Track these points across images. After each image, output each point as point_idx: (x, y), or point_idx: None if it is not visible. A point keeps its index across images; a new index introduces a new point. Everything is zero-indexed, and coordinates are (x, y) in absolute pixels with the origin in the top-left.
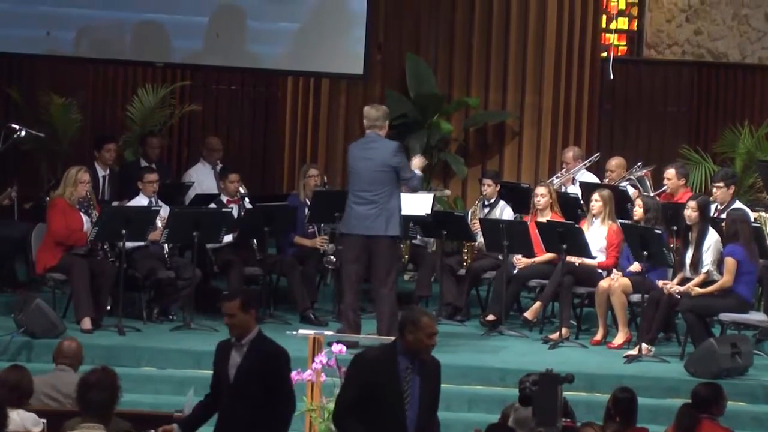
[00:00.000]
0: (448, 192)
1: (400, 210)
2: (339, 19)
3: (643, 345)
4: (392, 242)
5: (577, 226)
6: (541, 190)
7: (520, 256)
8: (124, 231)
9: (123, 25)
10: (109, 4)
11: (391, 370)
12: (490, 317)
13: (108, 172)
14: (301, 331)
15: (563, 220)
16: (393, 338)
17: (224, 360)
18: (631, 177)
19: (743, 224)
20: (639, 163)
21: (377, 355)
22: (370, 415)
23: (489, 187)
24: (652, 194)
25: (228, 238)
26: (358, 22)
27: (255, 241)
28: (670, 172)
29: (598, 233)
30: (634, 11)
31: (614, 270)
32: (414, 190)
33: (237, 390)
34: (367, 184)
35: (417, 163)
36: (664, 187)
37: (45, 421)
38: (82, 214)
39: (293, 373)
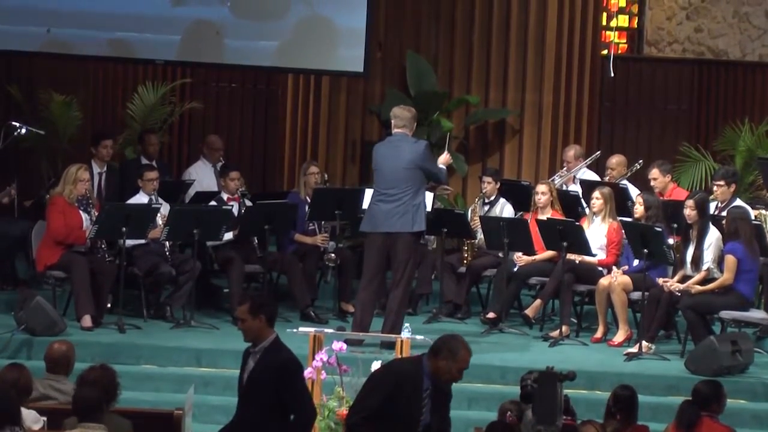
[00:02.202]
0: (448, 189)
1: (425, 205)
2: (339, 17)
3: (644, 343)
4: (413, 238)
5: (577, 223)
6: (541, 187)
7: (520, 254)
8: (124, 229)
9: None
10: (82, 22)
11: (417, 388)
12: (491, 315)
13: (105, 169)
14: (301, 329)
15: (564, 218)
16: (422, 355)
17: (243, 366)
18: (620, 180)
19: (743, 222)
20: (640, 161)
21: (408, 369)
22: (382, 427)
23: (489, 185)
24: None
25: (228, 236)
26: (358, 19)
27: (255, 238)
28: (655, 172)
29: (598, 231)
30: (635, 9)
31: (614, 268)
32: (440, 183)
33: (246, 397)
34: (393, 183)
35: (444, 159)
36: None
37: (45, 419)
38: (81, 212)
39: None
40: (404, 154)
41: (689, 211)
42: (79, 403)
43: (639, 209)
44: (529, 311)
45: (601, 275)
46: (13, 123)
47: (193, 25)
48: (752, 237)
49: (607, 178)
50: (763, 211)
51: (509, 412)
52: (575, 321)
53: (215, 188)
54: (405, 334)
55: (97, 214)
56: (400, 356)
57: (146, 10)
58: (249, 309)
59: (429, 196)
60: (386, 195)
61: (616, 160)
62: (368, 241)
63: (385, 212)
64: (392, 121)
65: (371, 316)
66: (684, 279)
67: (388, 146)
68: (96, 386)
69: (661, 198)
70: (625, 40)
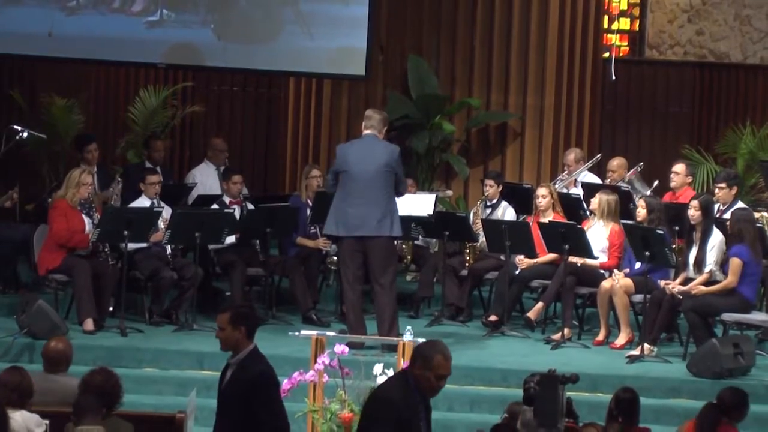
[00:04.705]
0: (450, 193)
1: (397, 210)
2: (341, 20)
3: (645, 345)
4: (390, 240)
5: (579, 226)
6: (542, 191)
7: (522, 257)
8: (126, 232)
9: None
10: (53, 47)
11: (414, 409)
12: (493, 318)
13: (96, 170)
14: (303, 332)
15: (565, 221)
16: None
17: (222, 377)
18: (621, 183)
19: (748, 224)
20: (641, 164)
21: (401, 395)
22: None
23: (491, 188)
24: (647, 192)
25: (230, 239)
26: (360, 23)
27: (257, 241)
28: (680, 167)
29: (600, 234)
30: (636, 12)
31: (616, 270)
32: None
33: (220, 410)
34: (367, 186)
35: None
36: (655, 183)
37: (47, 422)
38: (84, 216)
39: (296, 374)
40: (379, 156)
41: (693, 212)
42: (76, 409)
43: (641, 212)
44: (531, 314)
45: (603, 278)
46: (15, 127)
47: (170, 50)
48: (756, 239)
49: (608, 181)
50: (765, 214)
51: None
52: (577, 324)
53: (218, 191)
54: (407, 337)
55: (99, 217)
56: (385, 381)
57: (117, 33)
58: (230, 319)
59: (431, 199)
60: (361, 199)
61: (617, 162)
62: (344, 244)
63: (361, 216)
64: (363, 122)
65: (363, 316)
66: (686, 281)
67: (360, 148)
68: (96, 393)
69: (672, 196)
70: (626, 43)
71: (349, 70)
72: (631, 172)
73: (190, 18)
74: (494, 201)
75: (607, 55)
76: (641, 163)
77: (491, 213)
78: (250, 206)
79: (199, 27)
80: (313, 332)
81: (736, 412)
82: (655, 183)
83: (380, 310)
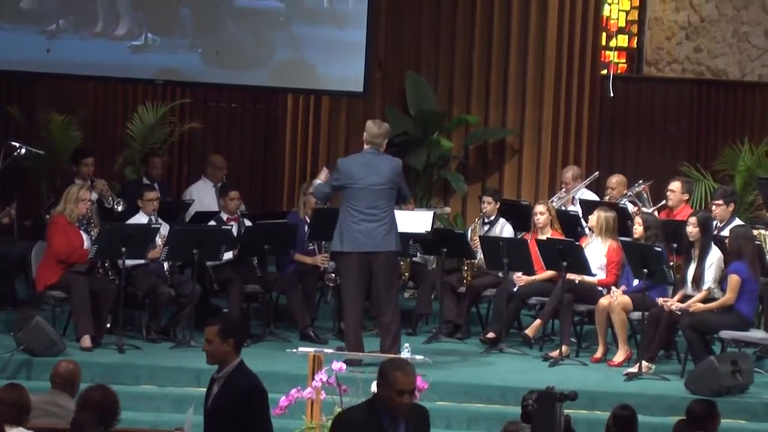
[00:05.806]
0: (448, 209)
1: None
2: (336, 42)
3: (644, 362)
4: (394, 255)
5: (577, 243)
6: (540, 208)
7: (520, 274)
8: (123, 249)
9: None
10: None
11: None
12: (491, 335)
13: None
14: (301, 349)
15: (563, 238)
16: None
17: (208, 392)
18: (630, 193)
19: (747, 241)
20: (640, 181)
21: (362, 418)
22: None
23: (489, 205)
24: (650, 209)
25: (228, 256)
26: (358, 39)
27: (255, 258)
28: (676, 185)
29: (598, 251)
30: (634, 29)
31: (614, 287)
32: (405, 203)
33: (209, 425)
34: (374, 201)
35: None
36: (663, 202)
37: None
38: (82, 232)
39: (293, 391)
40: (383, 171)
41: (692, 229)
42: (74, 426)
43: (638, 229)
44: (528, 331)
45: (601, 295)
46: (13, 143)
47: (155, 76)
48: (755, 256)
49: (607, 198)
50: (763, 231)
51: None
52: (575, 341)
53: (216, 208)
54: (405, 353)
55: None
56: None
57: (100, 59)
58: (219, 331)
59: (429, 216)
60: (368, 215)
61: (616, 179)
62: (348, 260)
63: (367, 231)
64: (364, 134)
65: (362, 333)
66: (684, 298)
67: (363, 163)
68: (94, 410)
69: (669, 214)
70: (624, 60)
71: (348, 87)
72: (643, 186)
73: (176, 42)
74: (492, 218)
75: (605, 72)
76: (640, 181)
77: (489, 230)
78: (248, 223)
79: (186, 51)
80: (310, 349)
81: (709, 423)
82: (663, 202)
83: (385, 325)
